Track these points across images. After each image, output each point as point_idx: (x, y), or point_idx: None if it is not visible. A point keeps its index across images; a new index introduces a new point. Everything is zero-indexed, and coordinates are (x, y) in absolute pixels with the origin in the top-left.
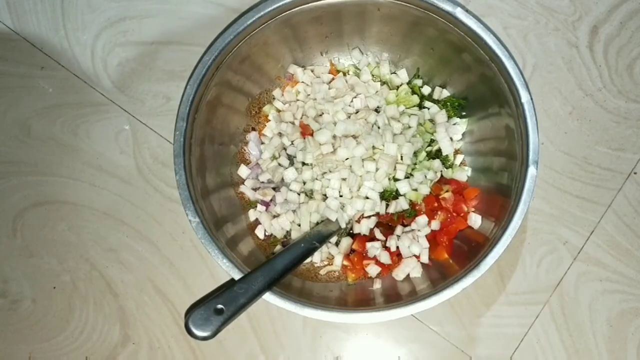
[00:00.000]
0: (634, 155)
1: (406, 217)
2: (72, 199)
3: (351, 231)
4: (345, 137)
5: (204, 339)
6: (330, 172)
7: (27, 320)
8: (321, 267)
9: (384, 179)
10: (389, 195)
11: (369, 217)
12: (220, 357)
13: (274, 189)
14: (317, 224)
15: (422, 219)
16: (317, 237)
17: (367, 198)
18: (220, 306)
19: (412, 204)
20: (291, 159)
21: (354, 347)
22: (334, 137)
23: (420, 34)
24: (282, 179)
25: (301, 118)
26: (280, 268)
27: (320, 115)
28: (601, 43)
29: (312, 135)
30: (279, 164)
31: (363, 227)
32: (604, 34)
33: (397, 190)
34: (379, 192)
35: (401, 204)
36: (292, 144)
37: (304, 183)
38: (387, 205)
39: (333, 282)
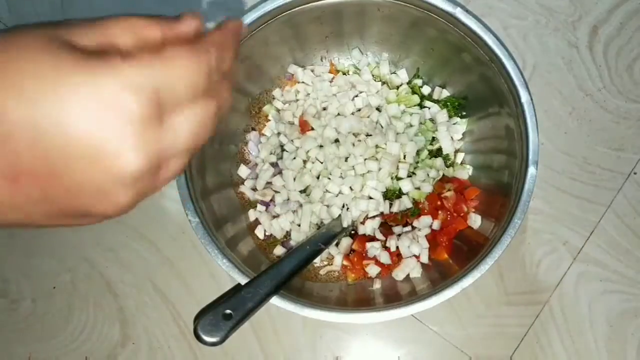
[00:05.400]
0: (634, 155)
1: (410, 216)
2: None
3: (353, 231)
4: (349, 135)
5: (214, 344)
6: (331, 171)
7: (27, 320)
8: (321, 267)
9: (386, 178)
10: (392, 195)
11: (374, 217)
12: (220, 357)
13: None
14: (319, 226)
15: (426, 219)
16: (322, 239)
17: (371, 198)
18: (228, 311)
19: (415, 202)
20: (283, 162)
21: (354, 347)
22: (337, 134)
23: (420, 34)
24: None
25: (301, 115)
26: (286, 271)
27: (324, 109)
28: (601, 43)
29: (311, 131)
30: (270, 164)
31: (368, 228)
32: (604, 34)
33: (400, 189)
34: (382, 191)
35: (404, 203)
36: (292, 142)
37: (304, 188)
38: (391, 205)
39: (333, 282)
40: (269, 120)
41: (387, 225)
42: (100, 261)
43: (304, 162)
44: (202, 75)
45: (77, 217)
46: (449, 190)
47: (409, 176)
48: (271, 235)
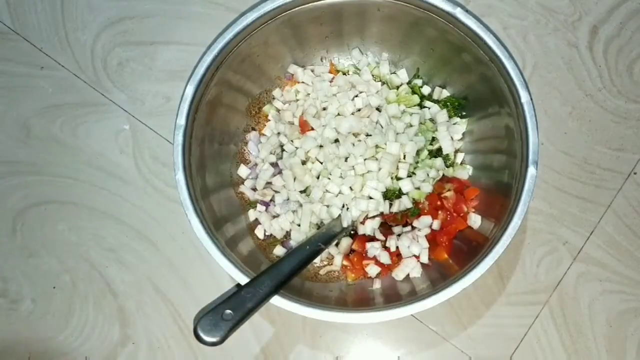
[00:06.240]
0: (634, 155)
1: (410, 216)
2: (72, 199)
3: (352, 231)
4: (349, 135)
5: (213, 344)
6: (331, 171)
7: (27, 320)
8: (321, 267)
9: (386, 178)
10: (392, 195)
11: (374, 217)
12: (219, 357)
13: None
14: (319, 226)
15: (426, 219)
16: (322, 239)
17: (371, 198)
18: (228, 311)
19: (415, 202)
20: (283, 162)
21: (354, 347)
22: (337, 134)
23: (420, 34)
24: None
25: (301, 115)
26: (286, 271)
27: (324, 109)
28: (601, 43)
29: (311, 131)
30: (270, 164)
31: (368, 228)
32: (604, 34)
33: (399, 189)
34: (382, 191)
35: (404, 203)
36: (292, 142)
37: (304, 190)
38: (391, 205)
39: (333, 282)
40: (269, 120)
41: (387, 225)
42: (100, 261)
43: (304, 162)
44: None
45: None
46: (449, 190)
47: (409, 176)
48: (271, 235)
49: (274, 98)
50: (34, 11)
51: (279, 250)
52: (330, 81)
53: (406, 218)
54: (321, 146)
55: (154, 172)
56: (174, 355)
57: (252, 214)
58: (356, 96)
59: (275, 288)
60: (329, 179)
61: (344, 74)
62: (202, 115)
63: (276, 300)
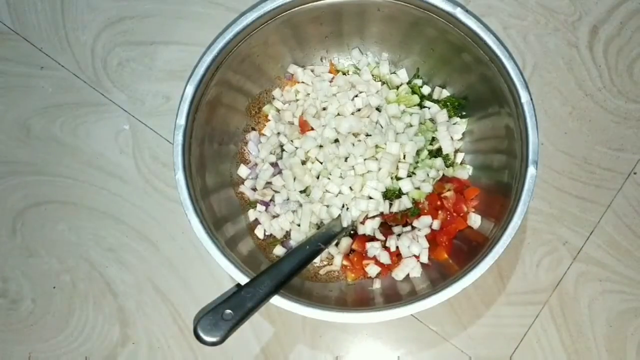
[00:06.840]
0: (634, 155)
1: (410, 215)
2: (72, 199)
3: (352, 231)
4: (349, 135)
5: (213, 344)
6: (331, 171)
7: (27, 320)
8: (321, 267)
9: (386, 178)
10: (392, 195)
11: (373, 217)
12: (219, 357)
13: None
14: (319, 226)
15: (426, 219)
16: (322, 239)
17: (371, 198)
18: (228, 311)
19: (415, 202)
20: (283, 162)
21: (354, 347)
22: (337, 134)
23: (420, 34)
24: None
25: (301, 115)
26: (286, 271)
27: (324, 109)
28: (601, 43)
29: (311, 131)
30: (270, 164)
31: (367, 228)
32: (604, 34)
33: (399, 189)
34: (382, 191)
35: (404, 203)
36: (292, 142)
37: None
38: (391, 205)
39: (333, 282)
40: (269, 120)
41: (387, 225)
42: (100, 261)
43: (304, 162)
44: None
45: None
46: (449, 190)
47: (408, 176)
48: (271, 235)
49: (274, 98)
50: (34, 11)
51: (279, 250)
52: (330, 81)
53: (406, 218)
54: (321, 146)
55: (154, 172)
56: (174, 355)
57: (252, 214)
58: (356, 96)
59: (275, 288)
60: (329, 179)
61: (344, 74)
62: (202, 115)
63: (276, 300)
